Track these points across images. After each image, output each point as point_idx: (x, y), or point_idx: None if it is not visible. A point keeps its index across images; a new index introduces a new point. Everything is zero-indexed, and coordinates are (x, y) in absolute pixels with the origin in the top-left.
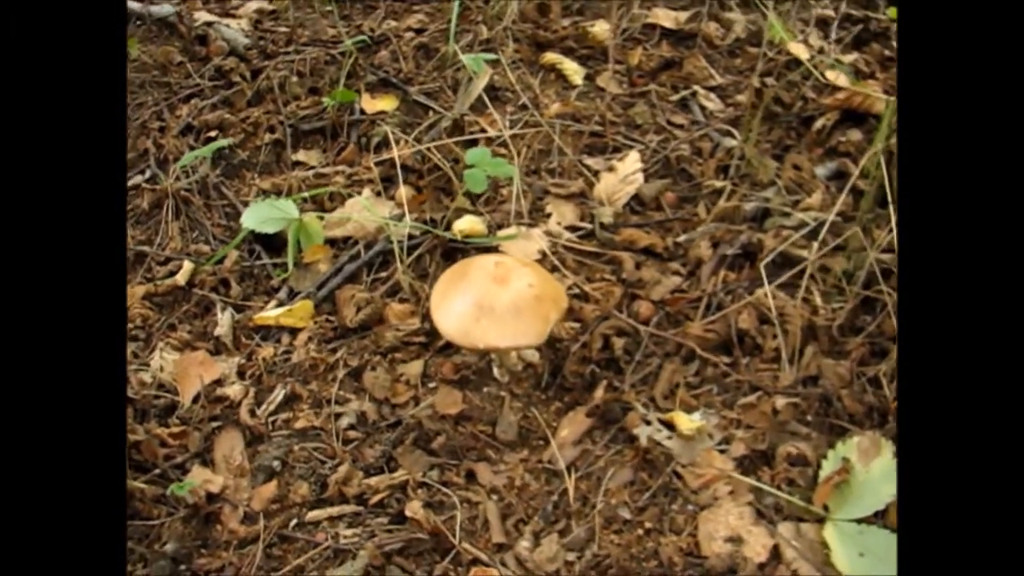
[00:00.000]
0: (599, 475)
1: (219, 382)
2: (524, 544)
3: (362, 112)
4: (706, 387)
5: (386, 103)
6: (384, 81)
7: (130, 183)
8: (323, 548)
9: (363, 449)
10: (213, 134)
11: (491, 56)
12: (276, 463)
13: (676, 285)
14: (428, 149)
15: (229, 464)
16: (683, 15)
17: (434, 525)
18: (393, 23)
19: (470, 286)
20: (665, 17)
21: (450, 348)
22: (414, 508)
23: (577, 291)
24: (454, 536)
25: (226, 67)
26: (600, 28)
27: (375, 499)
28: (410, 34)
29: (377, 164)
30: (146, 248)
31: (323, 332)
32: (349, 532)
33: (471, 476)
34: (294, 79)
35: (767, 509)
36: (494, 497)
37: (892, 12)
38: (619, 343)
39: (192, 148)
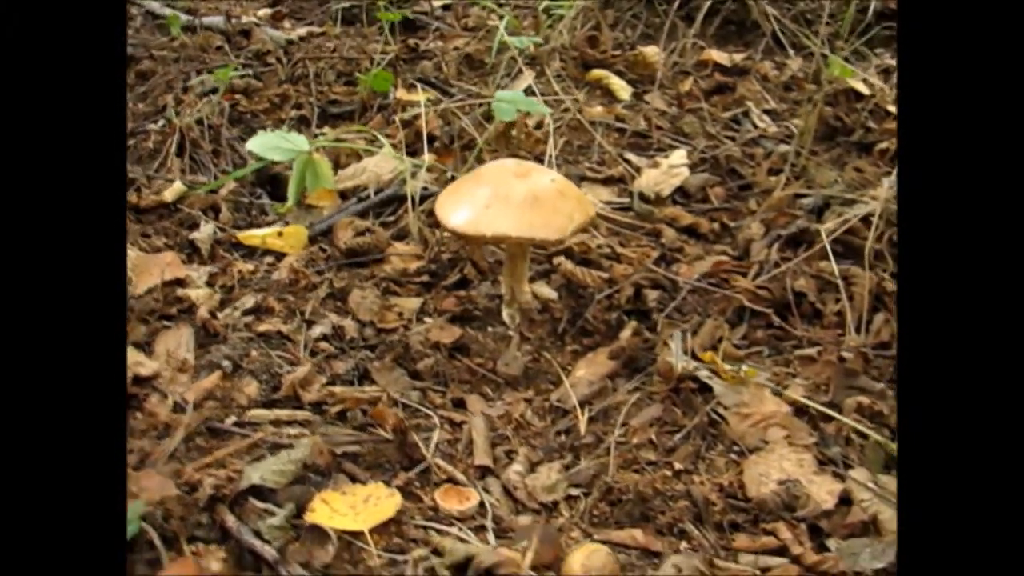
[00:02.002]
0: (618, 414)
1: (181, 283)
2: (515, 469)
3: (395, 100)
4: (755, 349)
5: (421, 96)
6: (422, 80)
7: (140, 130)
8: (257, 441)
9: (333, 361)
10: (237, 98)
11: (537, 39)
12: (226, 362)
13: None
14: (454, 112)
15: (171, 357)
16: (737, 55)
17: (403, 434)
18: (440, 43)
19: (485, 179)
20: (719, 56)
21: (455, 287)
22: (382, 412)
23: (608, 251)
24: (427, 449)
25: (263, 50)
26: (651, 51)
27: (336, 408)
28: (455, 52)
29: (404, 126)
30: (138, 170)
31: (313, 258)
32: (295, 432)
33: (459, 405)
34: (330, 73)
35: (835, 458)
36: (483, 421)
37: None
38: (652, 295)
39: (215, 112)
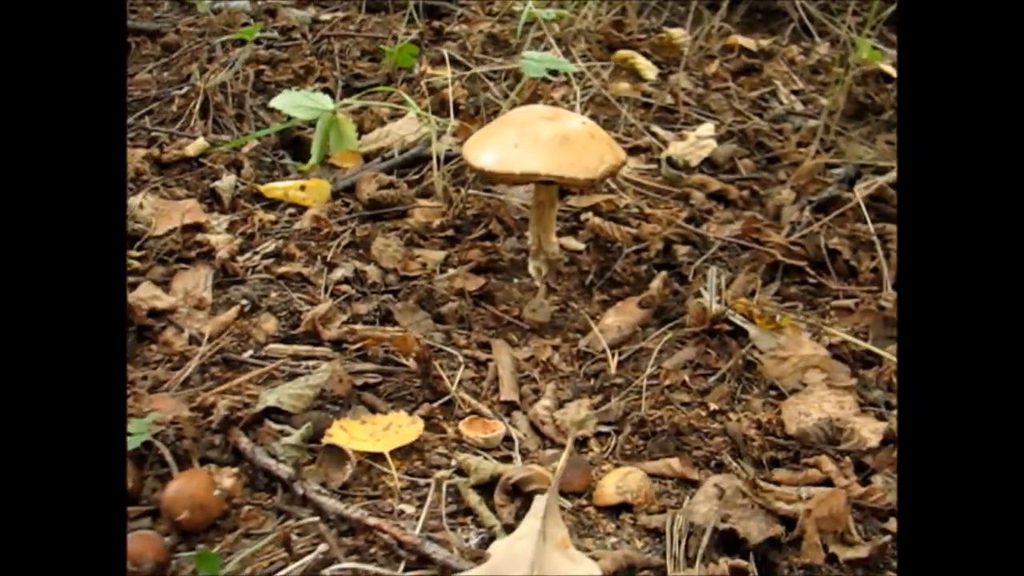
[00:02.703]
0: (649, 358)
1: (201, 228)
2: (543, 404)
3: (420, 73)
4: (790, 304)
5: (446, 71)
6: (449, 60)
7: (165, 96)
8: (273, 371)
9: (355, 303)
10: (262, 68)
11: (564, 12)
12: (244, 300)
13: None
14: (481, 79)
15: (188, 295)
16: (764, 41)
17: (426, 363)
18: (464, 26)
19: (513, 121)
20: (745, 41)
21: (480, 240)
22: (405, 340)
23: (636, 211)
24: (452, 384)
25: (288, 26)
26: (677, 33)
27: (357, 345)
28: (480, 33)
29: (429, 93)
30: (161, 130)
31: (335, 210)
32: (313, 364)
33: (484, 347)
34: (354, 49)
35: (876, 402)
36: (510, 362)
37: None
38: (682, 250)
39: (239, 79)
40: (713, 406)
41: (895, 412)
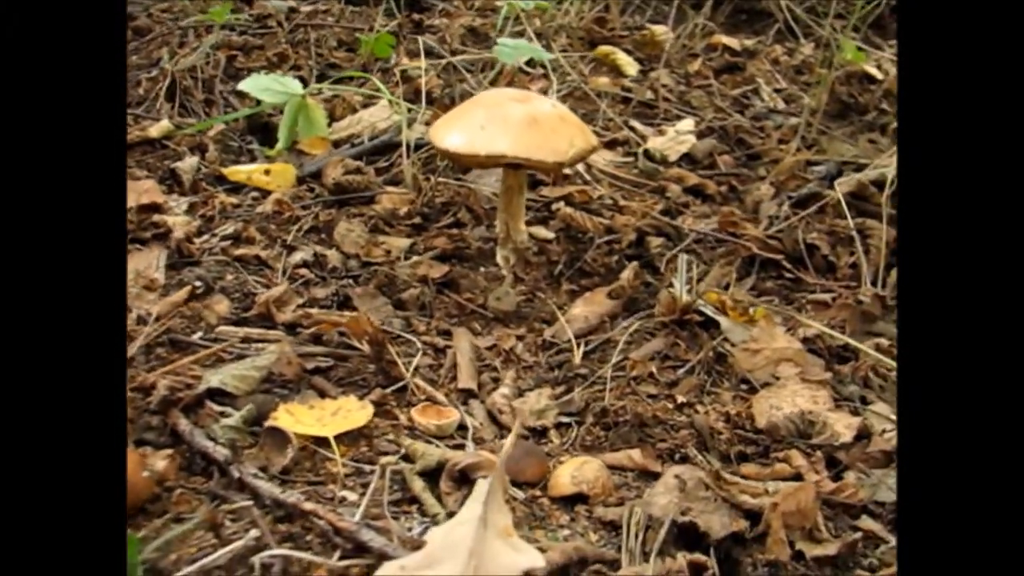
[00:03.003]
0: (616, 349)
1: (159, 209)
2: (502, 393)
3: (396, 63)
4: (765, 299)
5: (423, 62)
6: (426, 52)
7: (133, 79)
8: (220, 352)
9: (313, 288)
10: (235, 54)
11: (544, 3)
12: (198, 282)
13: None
14: (456, 69)
15: (140, 276)
16: (748, 41)
17: (380, 346)
18: (445, 20)
19: (482, 103)
20: (728, 40)
21: (447, 228)
22: (358, 322)
23: (610, 202)
24: (407, 370)
25: (264, 14)
26: (660, 30)
27: (311, 330)
28: (460, 28)
29: (403, 82)
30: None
31: (300, 195)
32: (263, 347)
33: (445, 335)
34: (331, 39)
35: (851, 397)
36: (469, 349)
37: None
38: (656, 241)
39: (210, 64)
40: (680, 398)
41: (870, 407)
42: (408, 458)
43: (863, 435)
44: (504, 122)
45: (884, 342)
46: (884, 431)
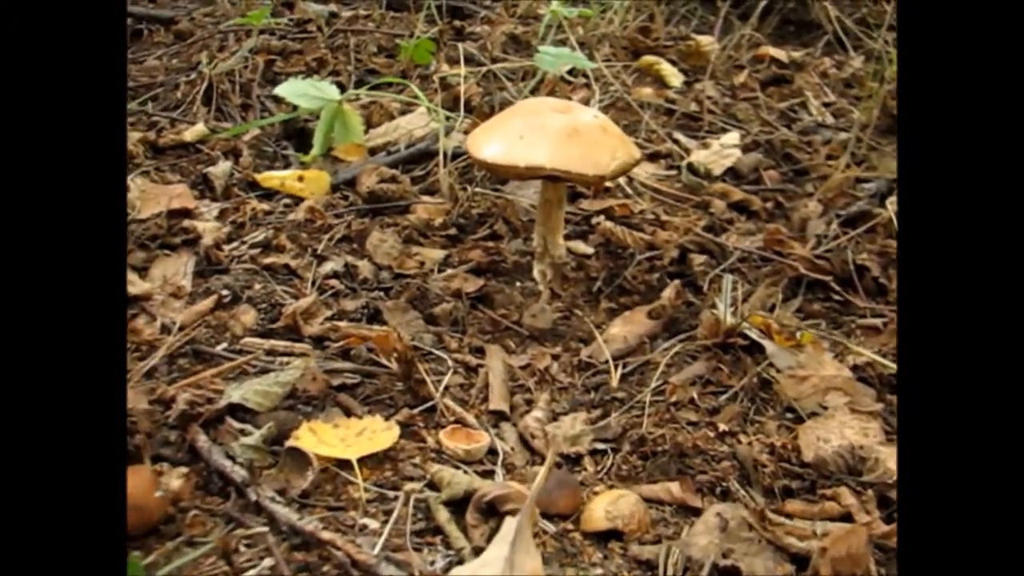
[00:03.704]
0: (656, 372)
1: (188, 214)
2: (535, 416)
3: (435, 70)
4: (812, 321)
5: (462, 69)
6: (467, 59)
7: (171, 83)
8: (244, 365)
9: (342, 299)
10: (273, 58)
11: (587, 11)
12: (225, 291)
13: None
14: (495, 75)
15: (167, 282)
16: (795, 53)
17: (408, 365)
18: (486, 27)
19: (521, 112)
20: (776, 52)
21: (483, 240)
22: (386, 339)
23: (652, 217)
24: (436, 389)
25: (304, 18)
26: (705, 40)
27: (339, 344)
28: (502, 36)
29: (442, 89)
30: (162, 115)
31: (333, 203)
32: (288, 361)
33: (478, 352)
34: (371, 45)
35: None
36: (503, 365)
37: None
38: (699, 259)
39: (248, 68)
40: (722, 427)
41: None
42: (434, 485)
43: None
44: (543, 132)
45: None
46: None
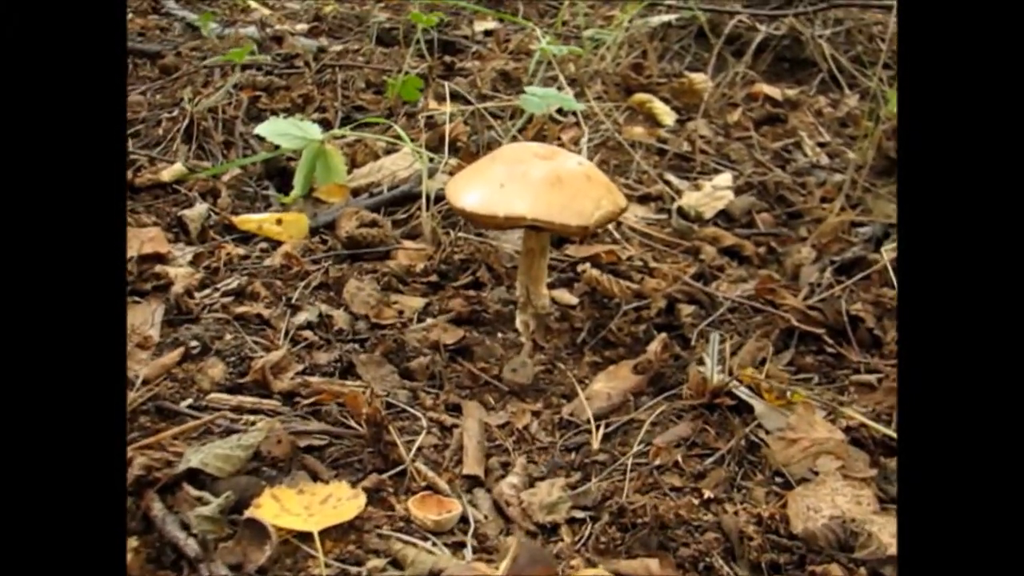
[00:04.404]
0: (639, 432)
1: (161, 259)
2: (510, 482)
3: (423, 107)
4: (804, 376)
5: (451, 107)
6: (454, 95)
7: (153, 119)
8: (208, 425)
9: (315, 351)
10: (259, 94)
11: (577, 49)
12: (194, 342)
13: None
14: (484, 116)
15: (134, 332)
16: (790, 91)
17: (378, 427)
18: (477, 63)
19: (503, 158)
20: (770, 90)
21: (465, 288)
22: (356, 399)
23: (640, 264)
24: (408, 452)
25: (292, 53)
26: (699, 78)
27: (309, 401)
28: (492, 72)
29: (427, 128)
30: (141, 153)
31: (311, 248)
32: (255, 420)
33: (455, 409)
34: (358, 80)
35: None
36: (479, 426)
37: None
38: (687, 310)
39: (232, 105)
40: (708, 493)
41: None
42: (397, 563)
43: None
44: (525, 181)
45: None
46: None
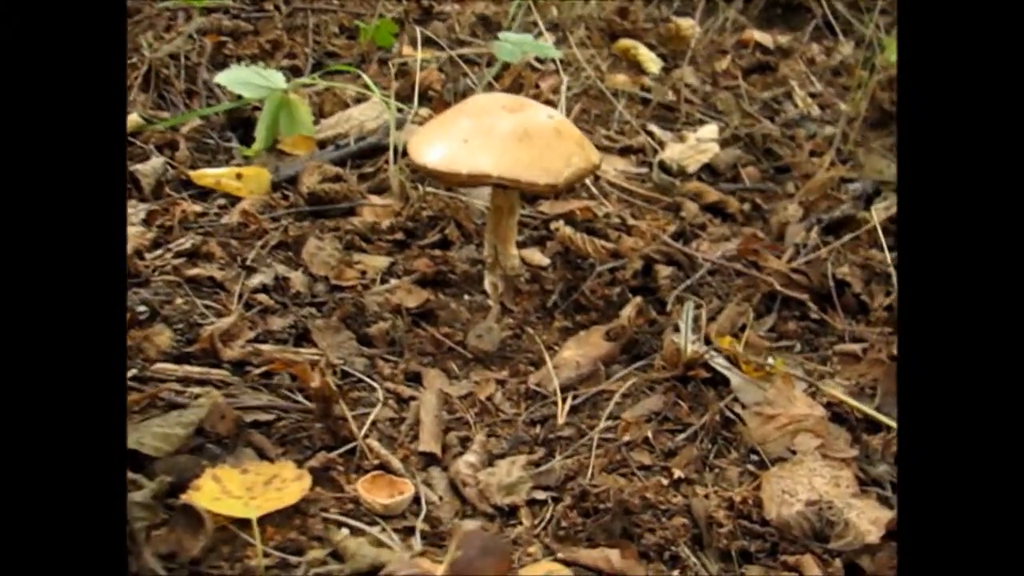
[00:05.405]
0: (609, 405)
1: None
2: (468, 460)
3: (397, 53)
4: (785, 343)
5: (427, 53)
6: (431, 41)
7: None
8: (151, 398)
9: (270, 316)
10: (224, 40)
11: None
12: (142, 307)
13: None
14: (459, 63)
15: None
16: (782, 38)
17: (326, 402)
18: (456, 6)
19: (469, 111)
20: (761, 37)
21: (432, 247)
22: (305, 371)
23: (617, 221)
24: (360, 428)
25: None
26: (686, 24)
27: (260, 371)
28: (472, 16)
29: (400, 76)
30: None
31: (272, 204)
32: (200, 391)
33: (414, 380)
34: (331, 24)
35: (880, 479)
36: (437, 399)
37: None
38: (664, 271)
39: (195, 51)
40: (678, 473)
41: None
42: (338, 555)
43: (894, 533)
44: (491, 135)
45: None
46: None
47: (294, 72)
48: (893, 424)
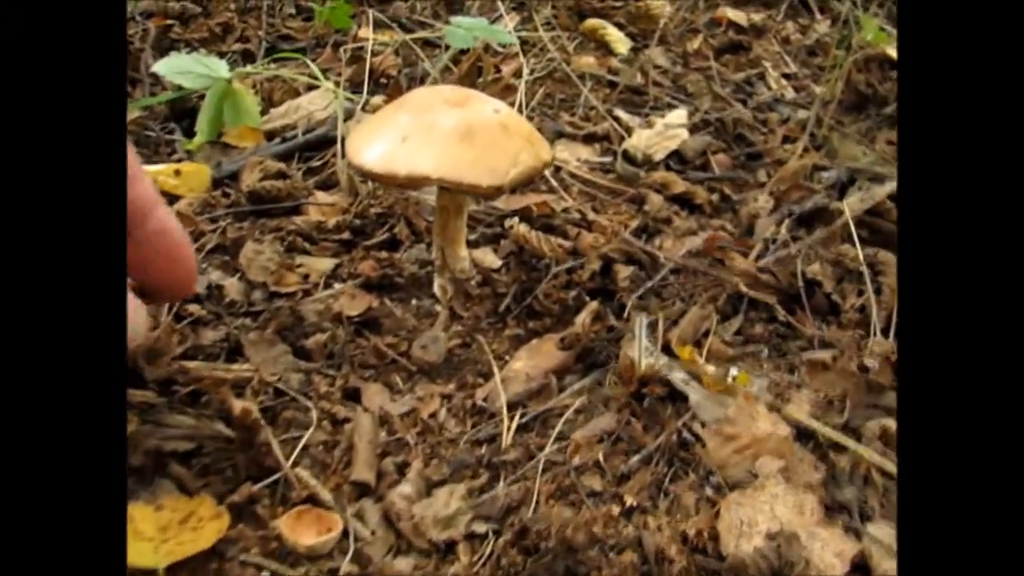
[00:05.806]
0: (558, 423)
1: None
2: (402, 492)
3: (355, 39)
4: (751, 349)
5: (386, 35)
6: (388, 23)
7: None
8: None
9: (201, 329)
10: (171, 23)
11: None
12: None
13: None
14: (413, 48)
15: None
16: (756, 15)
17: (249, 430)
18: None
19: (409, 105)
20: (734, 15)
21: (379, 248)
22: (225, 396)
23: (577, 216)
24: (287, 456)
25: None
26: (657, 3)
27: (187, 390)
28: None
29: (353, 62)
30: None
31: (211, 203)
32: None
33: (353, 397)
34: (287, 5)
35: (848, 505)
36: (371, 421)
37: None
38: (624, 272)
39: (138, 36)
40: (630, 500)
41: (871, 524)
42: None
43: (861, 568)
44: (431, 133)
45: (893, 425)
46: (886, 571)
47: (246, 57)
48: (859, 448)
